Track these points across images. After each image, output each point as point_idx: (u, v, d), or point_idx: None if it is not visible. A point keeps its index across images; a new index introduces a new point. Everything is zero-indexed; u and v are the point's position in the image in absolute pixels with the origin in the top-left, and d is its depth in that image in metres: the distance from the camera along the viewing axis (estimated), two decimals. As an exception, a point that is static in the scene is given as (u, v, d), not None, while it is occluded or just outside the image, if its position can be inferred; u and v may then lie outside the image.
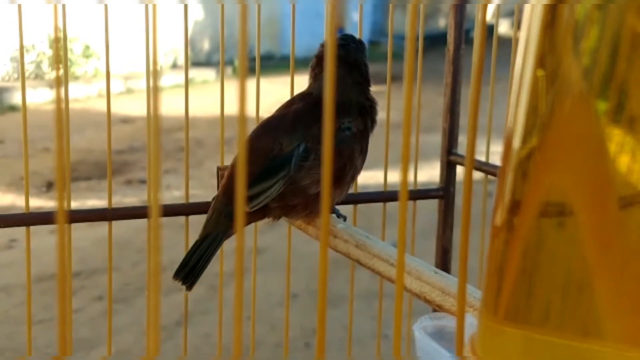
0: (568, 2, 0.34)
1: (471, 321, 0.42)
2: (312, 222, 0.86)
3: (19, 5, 0.85)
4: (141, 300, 2.23)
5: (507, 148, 0.38)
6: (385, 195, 1.08)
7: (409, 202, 1.08)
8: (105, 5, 0.89)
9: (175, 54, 7.66)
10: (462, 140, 0.62)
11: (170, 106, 2.01)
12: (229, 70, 6.07)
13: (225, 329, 0.92)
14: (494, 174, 1.02)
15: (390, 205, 1.06)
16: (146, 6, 0.83)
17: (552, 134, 0.35)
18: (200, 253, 0.79)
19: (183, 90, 0.96)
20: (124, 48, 5.37)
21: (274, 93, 2.41)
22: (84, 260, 2.51)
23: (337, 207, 0.86)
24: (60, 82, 0.33)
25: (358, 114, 0.85)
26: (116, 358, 1.87)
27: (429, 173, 2.05)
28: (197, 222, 0.91)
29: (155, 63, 0.29)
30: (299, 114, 0.84)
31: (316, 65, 0.89)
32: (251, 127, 0.86)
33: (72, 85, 4.55)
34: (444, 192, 1.13)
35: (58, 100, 0.32)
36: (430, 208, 1.16)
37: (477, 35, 0.33)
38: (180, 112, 0.97)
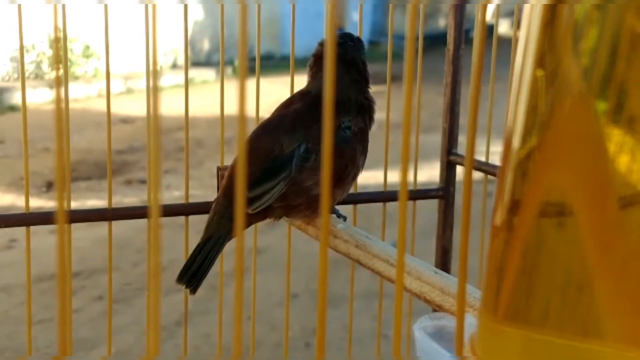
0: (567, 2, 0.34)
1: (471, 321, 0.42)
2: (312, 222, 0.86)
3: (19, 5, 0.85)
4: (141, 300, 2.23)
5: (507, 148, 0.38)
6: (385, 195, 1.08)
7: (409, 202, 1.08)
8: (105, 5, 0.89)
9: (175, 54, 7.65)
10: (462, 140, 0.61)
11: (170, 106, 2.01)
12: (229, 70, 6.07)
13: (225, 329, 0.92)
14: (493, 174, 1.02)
15: (390, 205, 1.06)
16: (146, 6, 0.83)
17: (551, 134, 0.35)
18: (203, 256, 0.79)
19: (183, 90, 0.96)
20: (124, 48, 5.38)
21: (274, 93, 2.41)
22: (84, 260, 2.51)
23: (337, 207, 0.86)
24: (60, 82, 0.33)
25: (357, 112, 0.85)
26: (116, 358, 1.87)
27: (429, 173, 2.05)
28: (197, 222, 0.91)
29: (155, 63, 0.29)
30: (299, 113, 0.84)
31: (314, 64, 0.88)
32: (251, 127, 0.86)
33: (72, 85, 4.54)
34: (444, 192, 1.13)
35: (58, 100, 0.32)
36: (430, 208, 1.16)
37: (477, 35, 0.33)
38: (180, 112, 0.97)
